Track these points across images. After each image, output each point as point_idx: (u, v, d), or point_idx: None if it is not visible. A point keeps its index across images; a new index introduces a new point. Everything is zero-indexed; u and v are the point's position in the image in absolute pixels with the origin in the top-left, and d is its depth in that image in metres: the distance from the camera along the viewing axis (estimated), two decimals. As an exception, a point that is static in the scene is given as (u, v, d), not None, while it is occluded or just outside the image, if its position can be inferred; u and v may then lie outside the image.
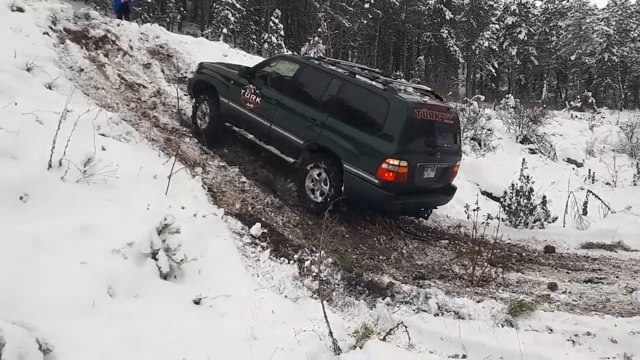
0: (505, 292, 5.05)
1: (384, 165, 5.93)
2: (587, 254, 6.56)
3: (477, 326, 3.81)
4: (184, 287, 4.15)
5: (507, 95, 23.50)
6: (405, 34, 52.98)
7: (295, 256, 5.33)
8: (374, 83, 6.41)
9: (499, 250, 6.33)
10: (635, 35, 50.03)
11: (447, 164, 6.86)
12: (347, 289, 4.93)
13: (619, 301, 4.64)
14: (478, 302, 4.60)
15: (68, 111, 5.31)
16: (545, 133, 19.23)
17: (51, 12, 10.02)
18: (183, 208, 5.23)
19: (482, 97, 23.54)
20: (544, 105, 25.58)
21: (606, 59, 49.01)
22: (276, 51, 32.90)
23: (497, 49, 52.38)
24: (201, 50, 13.02)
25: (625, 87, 52.11)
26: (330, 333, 3.48)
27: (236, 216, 5.91)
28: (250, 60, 14.94)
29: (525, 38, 52.11)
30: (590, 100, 40.92)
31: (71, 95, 6.18)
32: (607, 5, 53.30)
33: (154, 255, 4.17)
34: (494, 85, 56.16)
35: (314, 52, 16.24)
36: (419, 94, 6.92)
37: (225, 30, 32.58)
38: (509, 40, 52.05)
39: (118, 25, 11.56)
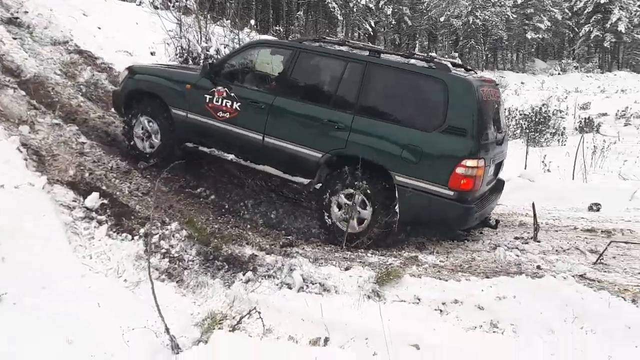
0: (375, 255, 4.77)
1: (459, 170, 4.43)
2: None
3: (342, 301, 3.43)
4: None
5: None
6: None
7: (142, 230, 4.52)
8: (413, 61, 4.96)
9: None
10: (495, 0, 53.76)
11: (503, 155, 5.50)
12: (202, 266, 4.28)
13: (484, 259, 4.58)
14: (346, 269, 4.24)
15: None
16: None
17: None
18: (-13, 178, 4.12)
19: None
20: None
21: (471, 22, 52.29)
22: None
23: (373, 8, 53.24)
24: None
25: (486, 49, 56.29)
26: (167, 329, 2.83)
27: (68, 185, 4.88)
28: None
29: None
30: (457, 60, 43.62)
31: None
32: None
33: None
34: (370, 43, 57.30)
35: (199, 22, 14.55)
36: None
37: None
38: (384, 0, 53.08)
39: None
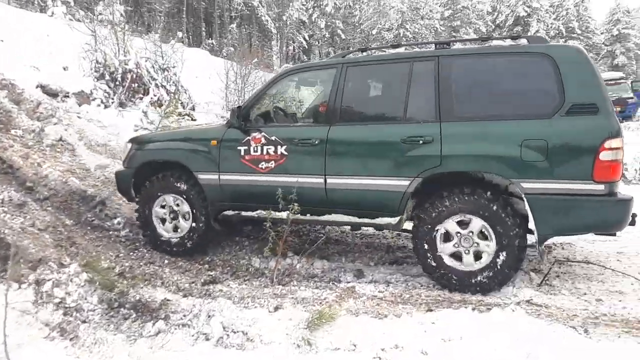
0: (308, 288, 4.31)
1: (604, 156, 3.50)
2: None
3: (267, 355, 2.91)
4: None
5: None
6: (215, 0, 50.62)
7: (32, 276, 3.81)
8: (495, 42, 4.37)
9: (303, 234, 5.65)
10: (424, 13, 55.59)
11: None
12: (105, 316, 3.63)
13: (425, 286, 4.23)
14: (275, 309, 3.75)
15: None
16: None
17: None
18: None
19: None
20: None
21: (401, 35, 53.63)
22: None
23: (307, 21, 53.46)
24: None
25: (417, 60, 57.85)
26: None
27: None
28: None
29: (332, 11, 54.08)
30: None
31: None
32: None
33: None
34: (306, 57, 57.51)
35: (111, 13, 13.58)
36: None
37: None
38: (317, 12, 53.48)
39: None
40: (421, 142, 3.98)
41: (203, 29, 51.73)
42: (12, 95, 7.68)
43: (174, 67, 10.42)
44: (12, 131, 6.76)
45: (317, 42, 57.65)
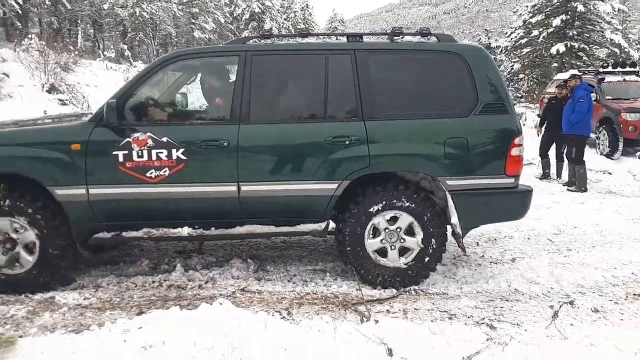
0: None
1: (515, 152, 3.79)
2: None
3: None
4: None
5: (29, 36, 20.20)
6: None
7: None
8: (407, 39, 4.15)
9: None
10: (162, -5, 53.42)
11: None
12: None
13: (140, 286, 3.92)
14: (-64, 340, 2.92)
15: None
16: (78, 83, 17.70)
17: None
18: None
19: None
20: (77, 53, 23.79)
21: (137, 14, 50.52)
22: None
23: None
24: None
25: (156, 43, 55.51)
26: None
27: None
28: None
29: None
30: (126, 53, 41.41)
31: None
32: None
33: None
34: (20, 25, 48.88)
35: None
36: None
37: None
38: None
39: None
40: (347, 142, 3.71)
41: None
42: None
43: None
44: None
45: (35, 9, 49.49)
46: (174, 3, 54.25)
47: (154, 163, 3.69)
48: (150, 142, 3.69)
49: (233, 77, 3.99)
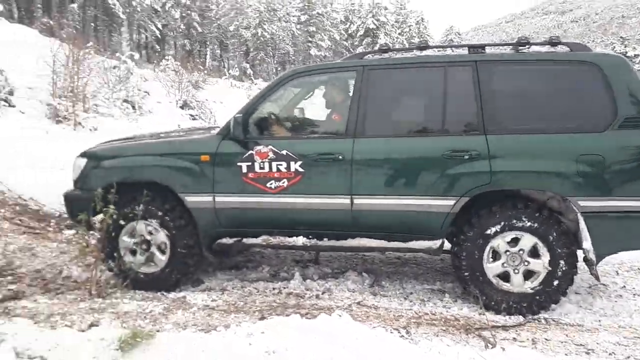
0: (133, 300, 3.89)
1: None
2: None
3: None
4: None
5: (166, 58, 22.41)
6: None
7: None
8: (535, 49, 3.91)
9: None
10: (281, 15, 56.42)
11: None
12: None
13: (262, 292, 4.09)
14: (90, 327, 3.30)
15: None
16: (206, 99, 19.19)
17: None
18: None
19: (137, 55, 21.75)
20: (206, 72, 25.86)
21: (259, 34, 53.77)
22: None
23: (160, 10, 50.71)
24: None
25: (275, 62, 58.58)
26: None
27: None
28: None
29: (188, 2, 52.12)
30: (248, 72, 44.26)
31: None
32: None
33: None
34: (159, 48, 54.57)
35: None
36: None
37: None
38: (171, 2, 51.05)
39: None
40: (466, 157, 3.57)
41: (38, 5, 45.90)
42: None
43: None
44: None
45: (171, 33, 55.00)
46: (293, 23, 56.87)
47: (274, 174, 3.86)
48: (271, 154, 3.87)
49: (350, 92, 4.04)
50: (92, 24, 48.42)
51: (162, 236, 4.06)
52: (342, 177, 3.76)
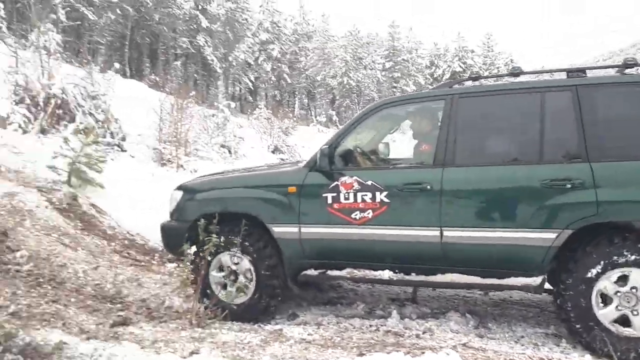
0: (231, 331, 3.91)
1: None
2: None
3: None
4: None
5: (259, 106, 23.64)
6: (160, 36, 50.21)
7: None
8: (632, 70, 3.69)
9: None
10: (367, 63, 57.73)
11: None
12: (-15, 363, 3.07)
13: (358, 328, 3.95)
14: (191, 354, 3.34)
15: None
16: (295, 144, 19.87)
17: None
18: None
19: (233, 104, 23.15)
20: (294, 119, 26.92)
21: (345, 82, 55.25)
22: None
23: (253, 64, 54.01)
24: None
25: (360, 108, 59.59)
26: None
27: None
28: None
29: (279, 55, 55.06)
30: (334, 118, 45.42)
31: None
32: (345, 35, 60.22)
33: None
34: (251, 99, 57.78)
35: (44, 42, 12.93)
36: None
37: None
38: (263, 56, 54.21)
39: None
40: (569, 185, 3.33)
41: (147, 64, 50.86)
42: None
43: (104, 94, 9.91)
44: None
45: (263, 85, 58.17)
46: (378, 70, 57.90)
47: (358, 205, 3.81)
48: (356, 185, 3.83)
49: (438, 122, 3.93)
50: (193, 77, 52.58)
51: (246, 264, 4.11)
52: (430, 208, 3.61)
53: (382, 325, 3.97)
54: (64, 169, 6.76)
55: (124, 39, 46.37)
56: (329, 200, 3.89)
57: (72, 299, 4.31)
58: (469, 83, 4.12)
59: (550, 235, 3.33)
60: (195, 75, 53.53)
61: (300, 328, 3.95)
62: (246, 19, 55.91)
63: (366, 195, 3.79)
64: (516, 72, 3.93)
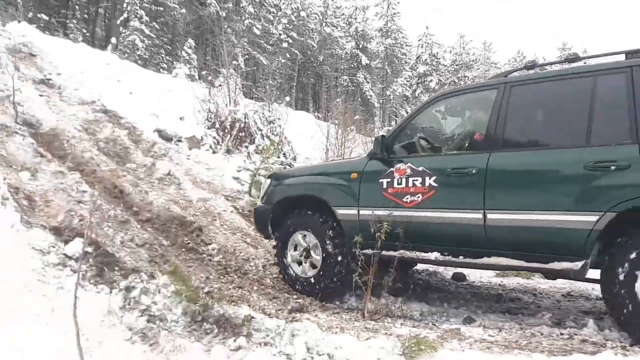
0: (404, 326, 3.82)
1: None
2: (502, 282, 5.61)
3: (356, 378, 2.48)
4: None
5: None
6: (323, 76, 53.57)
7: (123, 283, 3.77)
8: None
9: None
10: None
11: None
12: (187, 328, 3.43)
13: (547, 336, 3.56)
14: (367, 339, 3.32)
15: None
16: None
17: None
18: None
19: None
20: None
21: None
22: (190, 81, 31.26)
23: (410, 96, 54.34)
24: (77, 53, 11.35)
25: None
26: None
27: (52, 230, 4.28)
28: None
29: (436, 87, 54.53)
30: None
31: None
32: (508, 60, 57.40)
33: None
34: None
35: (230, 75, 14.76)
36: None
37: (132, 58, 30.59)
38: (421, 88, 54.25)
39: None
40: (613, 168, 3.20)
41: (310, 104, 54.54)
42: (131, 135, 8.34)
43: (279, 119, 10.86)
44: (127, 164, 7.24)
45: (419, 117, 58.07)
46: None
47: (409, 189, 4.05)
48: (409, 171, 4.08)
49: (490, 110, 3.91)
50: (354, 111, 54.69)
51: (315, 242, 4.53)
52: (474, 191, 3.70)
53: (575, 335, 3.51)
54: (246, 181, 7.48)
55: (292, 80, 50.47)
56: (384, 185, 4.18)
57: (255, 287, 4.66)
58: (524, 72, 4.07)
59: (591, 218, 3.24)
60: (355, 109, 55.65)
61: (479, 329, 3.70)
62: (404, 54, 56.82)
63: (417, 180, 4.01)
64: (572, 58, 3.89)
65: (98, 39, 39.47)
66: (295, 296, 4.57)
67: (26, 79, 8.74)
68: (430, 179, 3.95)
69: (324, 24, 52.23)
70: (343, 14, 55.52)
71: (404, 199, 4.08)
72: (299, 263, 4.66)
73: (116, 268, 4.05)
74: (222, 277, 4.77)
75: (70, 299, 3.46)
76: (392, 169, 4.17)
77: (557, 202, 3.39)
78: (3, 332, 2.92)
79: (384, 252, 4.13)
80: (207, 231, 5.69)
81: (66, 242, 4.11)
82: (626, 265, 3.12)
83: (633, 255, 3.10)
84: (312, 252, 4.58)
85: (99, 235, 4.56)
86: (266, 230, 4.96)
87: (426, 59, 54.21)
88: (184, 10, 38.32)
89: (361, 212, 4.29)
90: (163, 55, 36.92)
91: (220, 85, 11.00)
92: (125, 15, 32.20)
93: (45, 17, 32.26)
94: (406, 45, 57.34)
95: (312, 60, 51.99)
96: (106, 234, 4.67)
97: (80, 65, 10.19)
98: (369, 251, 4.17)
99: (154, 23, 35.16)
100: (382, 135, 4.31)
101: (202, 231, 5.59)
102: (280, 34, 46.55)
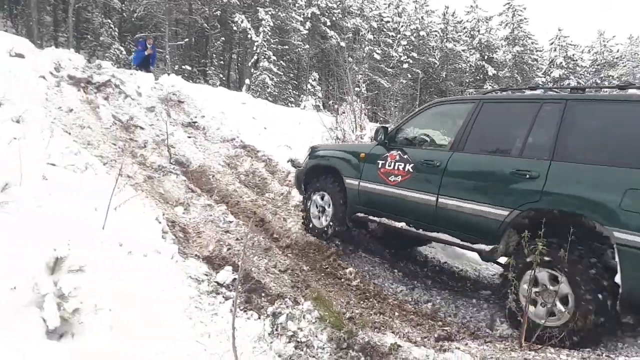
0: (571, 357, 3.39)
1: None
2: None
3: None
4: (74, 351, 2.81)
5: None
6: (447, 91, 52.19)
7: (270, 309, 3.90)
8: (632, 91, 4.21)
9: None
10: None
11: None
12: (334, 355, 3.42)
13: None
14: (528, 374, 3.01)
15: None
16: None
17: (56, 59, 9.67)
18: (120, 245, 4.00)
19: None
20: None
21: None
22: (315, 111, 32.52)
23: (546, 103, 50.46)
24: (217, 97, 12.41)
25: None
26: None
27: (205, 259, 4.62)
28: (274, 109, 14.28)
29: (575, 90, 49.97)
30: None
31: (46, 131, 5.47)
32: (662, 53, 50.72)
33: (40, 302, 2.91)
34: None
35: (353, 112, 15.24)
36: None
37: (263, 96, 32.84)
38: (557, 94, 50.12)
39: (131, 74, 11.25)
40: (527, 176, 3.97)
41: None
42: (268, 167, 8.82)
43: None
44: (266, 194, 7.64)
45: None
46: None
47: (395, 171, 5.12)
48: (397, 157, 5.14)
49: (463, 119, 4.77)
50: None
51: (329, 200, 6.00)
52: (434, 179, 4.68)
53: None
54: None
55: (414, 100, 49.96)
56: (379, 166, 5.28)
57: (396, 313, 4.53)
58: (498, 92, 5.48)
59: (504, 212, 4.08)
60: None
61: None
62: (535, 59, 53.19)
63: (401, 164, 5.05)
64: (533, 87, 5.06)
65: (233, 82, 43.13)
66: (440, 323, 4.35)
67: (176, 123, 9.74)
68: (409, 165, 4.98)
69: (445, 40, 51.17)
70: (465, 28, 53.91)
71: (390, 178, 5.14)
72: (318, 218, 6.05)
73: (263, 294, 4.21)
74: (361, 302, 4.72)
75: (223, 325, 3.67)
76: (387, 153, 5.24)
77: (486, 196, 4.25)
78: (172, 350, 3.15)
79: (370, 217, 5.36)
80: (344, 256, 5.71)
81: (217, 270, 4.39)
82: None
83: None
84: (326, 208, 5.95)
85: (246, 262, 4.81)
86: (300, 189, 6.48)
87: (561, 62, 50.07)
88: (307, 46, 40.26)
89: (361, 183, 5.47)
90: (290, 90, 39.04)
91: (344, 112, 11.31)
92: (255, 57, 34.77)
93: (189, 68, 36.12)
94: (537, 51, 53.65)
95: (434, 77, 51.04)
96: (252, 261, 4.91)
97: (220, 106, 11.09)
98: (359, 215, 5.49)
99: (281, 61, 37.44)
100: (385, 127, 5.54)
101: (339, 255, 5.63)
102: (400, 56, 46.58)
